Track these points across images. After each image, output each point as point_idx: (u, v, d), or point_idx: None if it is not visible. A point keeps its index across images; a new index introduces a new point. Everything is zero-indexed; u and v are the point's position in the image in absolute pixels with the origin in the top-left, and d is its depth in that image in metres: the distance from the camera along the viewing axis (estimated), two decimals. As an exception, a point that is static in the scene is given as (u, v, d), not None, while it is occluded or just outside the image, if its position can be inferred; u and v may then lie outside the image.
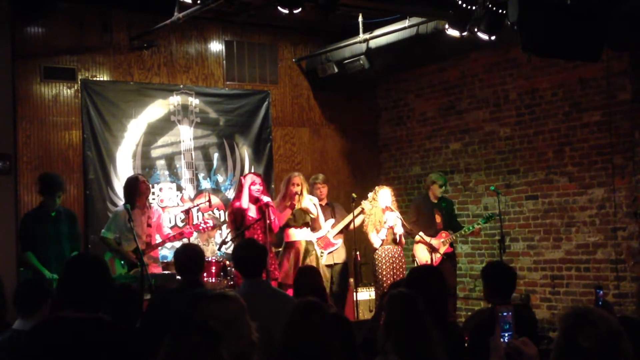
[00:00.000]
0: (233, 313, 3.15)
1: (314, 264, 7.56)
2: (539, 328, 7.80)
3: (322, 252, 8.05)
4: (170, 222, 8.67)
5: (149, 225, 7.31)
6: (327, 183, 8.52)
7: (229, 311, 3.14)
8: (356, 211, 8.03)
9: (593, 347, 2.28)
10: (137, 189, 7.28)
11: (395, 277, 7.76)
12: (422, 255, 8.09)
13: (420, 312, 3.45)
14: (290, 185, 7.75)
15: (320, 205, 8.23)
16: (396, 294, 3.58)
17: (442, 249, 8.05)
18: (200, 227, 7.53)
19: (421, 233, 8.08)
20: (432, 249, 8.01)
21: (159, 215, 7.63)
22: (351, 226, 8.14)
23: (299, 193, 7.72)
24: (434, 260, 8.00)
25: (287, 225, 7.77)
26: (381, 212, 7.91)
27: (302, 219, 7.82)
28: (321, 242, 8.08)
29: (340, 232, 8.24)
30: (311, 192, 8.18)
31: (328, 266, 8.09)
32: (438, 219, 8.20)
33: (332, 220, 8.23)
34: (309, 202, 7.87)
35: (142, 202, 7.34)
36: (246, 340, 3.13)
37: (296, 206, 7.76)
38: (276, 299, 4.60)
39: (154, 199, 8.62)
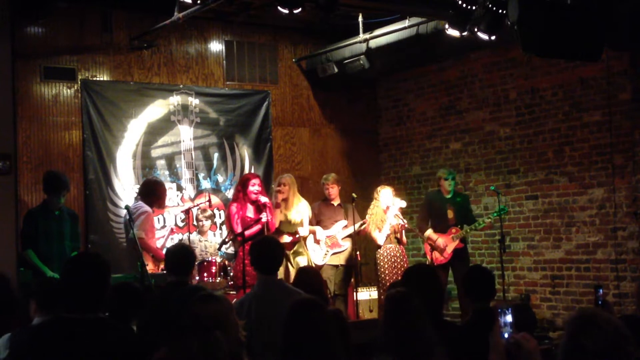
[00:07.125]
0: (220, 313, 3.15)
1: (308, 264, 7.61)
2: (538, 328, 7.82)
3: (327, 251, 8.01)
4: (171, 222, 8.68)
5: None
6: (338, 183, 8.27)
7: (216, 311, 3.14)
8: (359, 225, 7.98)
9: (599, 349, 2.29)
10: (163, 194, 7.49)
11: (396, 276, 7.75)
12: (435, 252, 8.11)
13: (416, 312, 3.45)
14: (276, 187, 8.01)
15: (332, 205, 8.18)
16: (392, 294, 3.59)
17: (451, 246, 8.01)
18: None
19: (430, 231, 8.08)
20: (439, 250, 8.02)
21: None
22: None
23: (285, 198, 7.86)
24: (443, 255, 8.02)
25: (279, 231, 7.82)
26: (382, 211, 7.94)
27: (288, 229, 7.89)
28: (329, 241, 8.04)
29: (349, 235, 8.05)
30: (321, 193, 8.21)
31: (332, 266, 8.03)
32: (450, 214, 8.14)
33: (344, 222, 8.10)
34: (296, 214, 7.90)
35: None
36: (234, 340, 3.13)
37: (283, 212, 7.86)
38: (290, 297, 4.57)
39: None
